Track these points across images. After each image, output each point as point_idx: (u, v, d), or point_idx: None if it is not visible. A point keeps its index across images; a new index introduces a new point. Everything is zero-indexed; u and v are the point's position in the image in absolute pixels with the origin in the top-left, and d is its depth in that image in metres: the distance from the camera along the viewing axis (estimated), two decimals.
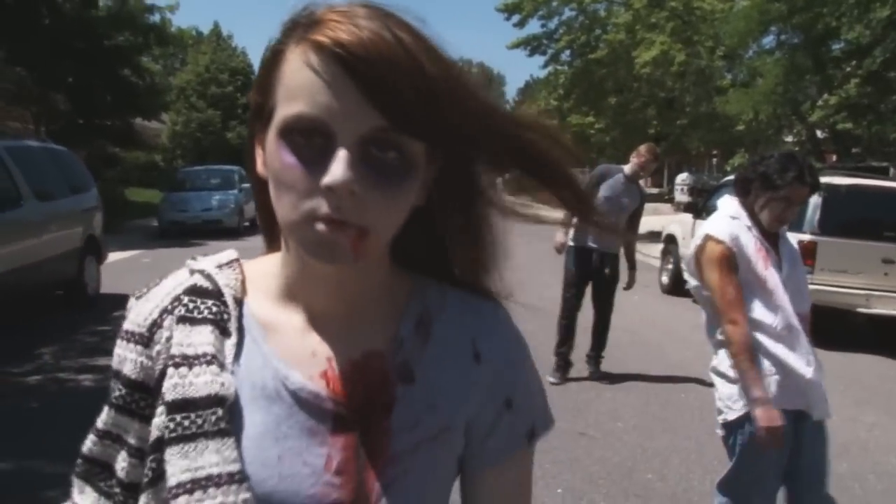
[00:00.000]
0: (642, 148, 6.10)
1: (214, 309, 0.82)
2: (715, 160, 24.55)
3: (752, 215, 2.83)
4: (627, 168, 5.96)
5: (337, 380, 0.80)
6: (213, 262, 0.86)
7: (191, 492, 0.74)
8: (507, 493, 0.87)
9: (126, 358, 0.82)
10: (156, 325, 0.82)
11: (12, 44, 15.46)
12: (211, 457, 0.75)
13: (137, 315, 0.83)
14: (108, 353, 0.87)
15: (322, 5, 0.74)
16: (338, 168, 0.69)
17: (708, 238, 2.77)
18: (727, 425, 2.73)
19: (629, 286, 6.21)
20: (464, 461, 0.86)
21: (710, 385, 2.85)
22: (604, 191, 5.83)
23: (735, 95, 15.40)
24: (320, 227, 0.71)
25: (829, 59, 14.92)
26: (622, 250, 6.14)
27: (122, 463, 0.82)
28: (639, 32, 18.73)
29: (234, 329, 0.81)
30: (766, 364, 2.67)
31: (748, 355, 2.62)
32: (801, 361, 2.68)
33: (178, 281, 0.85)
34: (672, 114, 19.53)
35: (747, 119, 16.49)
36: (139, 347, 0.82)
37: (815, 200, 7.77)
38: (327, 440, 0.79)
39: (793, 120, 17.41)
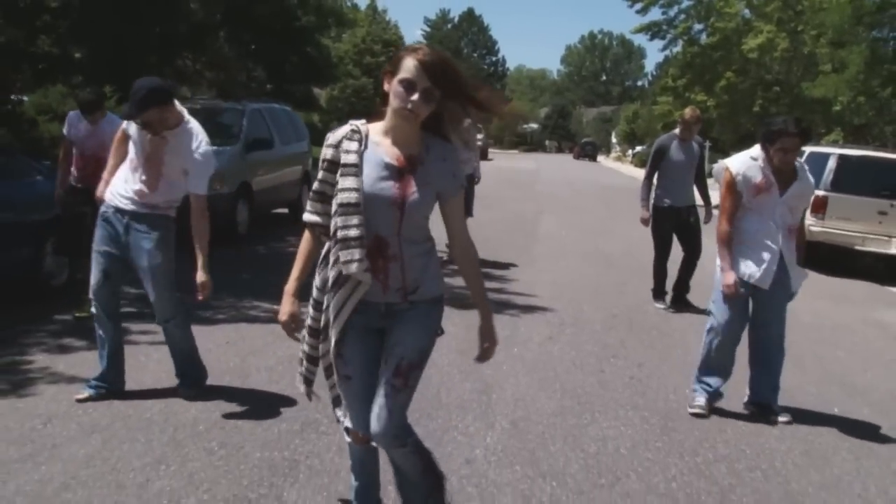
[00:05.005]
0: (685, 111, 7.42)
1: (357, 137, 2.41)
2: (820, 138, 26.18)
3: (769, 158, 4.14)
4: (677, 132, 7.26)
5: (401, 160, 2.41)
6: (357, 121, 2.46)
7: (342, 191, 2.38)
8: (458, 205, 2.52)
9: (329, 154, 2.43)
10: (339, 142, 2.42)
11: (229, 27, 19.67)
12: (351, 180, 2.38)
13: (332, 139, 2.43)
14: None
15: (416, 44, 2.58)
16: (415, 97, 2.32)
17: (725, 167, 4.27)
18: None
19: (707, 220, 7.26)
20: (442, 200, 2.47)
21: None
22: (670, 157, 7.13)
23: (820, 81, 17.53)
24: (406, 112, 2.34)
25: None
26: (697, 200, 7.28)
27: (326, 186, 2.45)
28: (751, 21, 20.88)
29: (364, 143, 2.42)
30: (740, 252, 4.21)
31: (723, 244, 4.24)
32: (763, 255, 4.17)
33: (345, 127, 2.45)
34: (775, 95, 21.53)
35: (844, 101, 18.52)
36: (333, 149, 2.42)
37: (830, 165, 10.45)
38: (394, 178, 2.40)
39: (892, 101, 19.21)
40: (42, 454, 3.44)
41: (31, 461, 3.37)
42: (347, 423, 2.67)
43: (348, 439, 2.69)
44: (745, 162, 4.23)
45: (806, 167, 4.36)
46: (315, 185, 2.48)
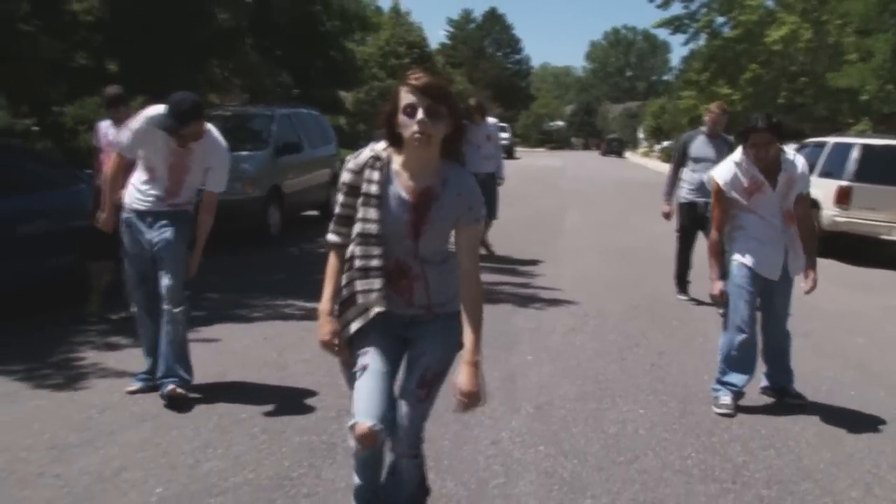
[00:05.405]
0: (712, 106, 7.47)
1: (379, 164, 2.44)
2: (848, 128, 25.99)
3: (750, 158, 4.21)
4: (704, 127, 7.28)
5: (415, 194, 2.44)
6: (380, 146, 2.47)
7: (363, 221, 2.43)
8: (472, 238, 2.51)
9: (350, 179, 2.47)
10: (362, 168, 2.45)
11: (256, 36, 20.06)
12: (373, 211, 2.44)
13: (353, 164, 2.47)
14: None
15: (410, 72, 2.41)
16: (420, 116, 2.31)
17: (712, 178, 4.38)
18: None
19: None
20: (457, 227, 2.47)
21: None
22: (692, 153, 7.12)
23: (846, 70, 17.45)
24: (417, 135, 2.32)
25: None
26: None
27: (349, 210, 2.48)
28: (774, 13, 20.82)
29: (385, 172, 2.45)
30: (749, 247, 4.30)
31: (712, 253, 4.39)
32: (770, 249, 4.28)
33: (368, 152, 2.47)
34: (801, 86, 21.44)
35: (872, 90, 18.41)
36: (355, 174, 2.46)
37: (854, 155, 10.47)
38: (409, 213, 2.44)
39: None
40: (100, 439, 3.73)
41: (90, 446, 3.66)
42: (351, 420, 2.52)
43: (352, 443, 2.51)
44: (730, 169, 4.31)
45: (791, 154, 4.37)
46: (338, 210, 2.52)
